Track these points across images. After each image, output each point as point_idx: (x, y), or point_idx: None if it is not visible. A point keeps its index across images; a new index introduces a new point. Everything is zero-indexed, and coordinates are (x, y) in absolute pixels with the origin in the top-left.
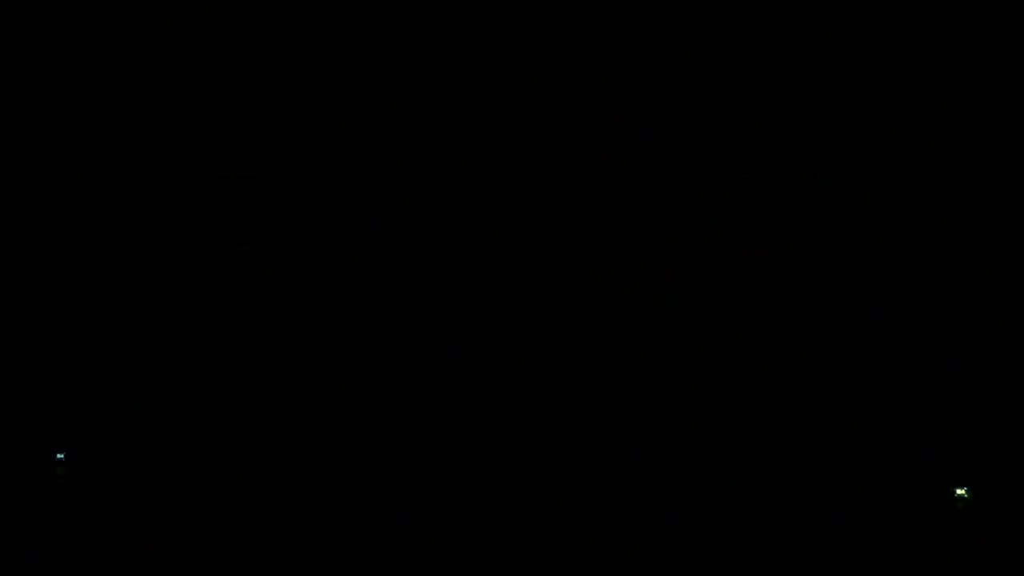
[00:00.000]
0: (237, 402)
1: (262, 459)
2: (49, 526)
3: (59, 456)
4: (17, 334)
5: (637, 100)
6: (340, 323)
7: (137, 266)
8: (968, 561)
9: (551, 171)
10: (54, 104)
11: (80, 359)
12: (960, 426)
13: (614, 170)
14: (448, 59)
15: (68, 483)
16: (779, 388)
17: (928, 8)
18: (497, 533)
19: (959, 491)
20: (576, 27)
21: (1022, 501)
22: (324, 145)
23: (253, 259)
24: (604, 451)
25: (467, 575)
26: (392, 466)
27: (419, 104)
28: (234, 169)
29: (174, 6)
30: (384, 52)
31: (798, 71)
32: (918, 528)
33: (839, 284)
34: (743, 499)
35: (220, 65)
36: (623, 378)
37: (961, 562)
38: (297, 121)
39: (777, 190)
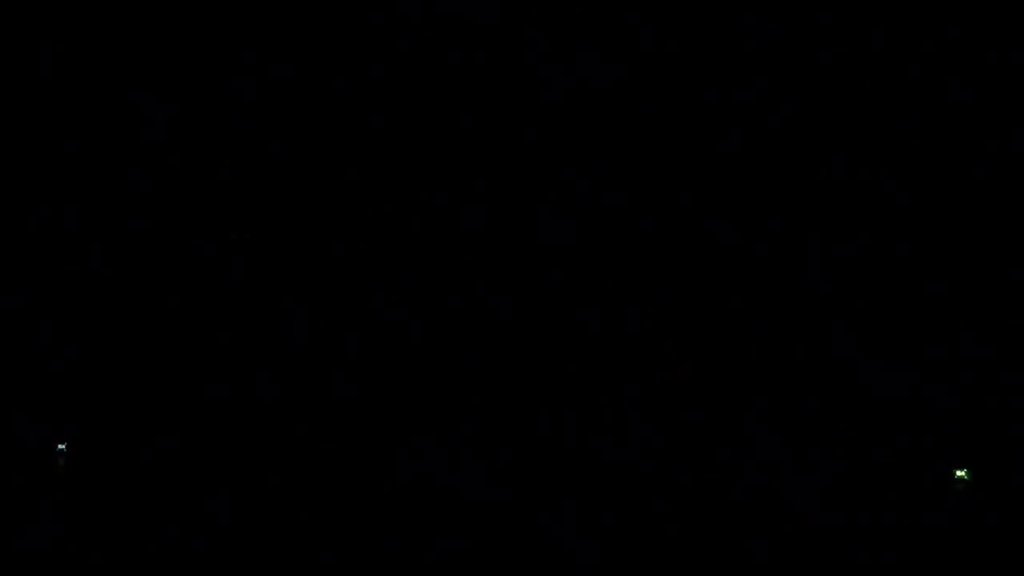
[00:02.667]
0: (237, 395)
1: (262, 453)
2: (50, 516)
3: (60, 447)
4: (19, 328)
5: (637, 100)
6: (339, 319)
7: (137, 259)
8: (969, 542)
9: (551, 171)
10: (53, 103)
11: (81, 353)
12: (960, 409)
13: (614, 170)
14: (448, 60)
15: (68, 473)
16: (779, 377)
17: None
18: (496, 530)
19: (959, 472)
20: (576, 28)
21: (1022, 483)
22: (325, 142)
23: (254, 253)
24: (603, 451)
25: (466, 572)
26: (391, 465)
27: (419, 104)
28: (234, 164)
29: (175, 6)
30: (384, 52)
31: (799, 71)
32: (919, 509)
33: (840, 273)
34: (742, 482)
35: (220, 63)
36: (622, 377)
37: (962, 542)
38: (297, 117)
39: (778, 189)
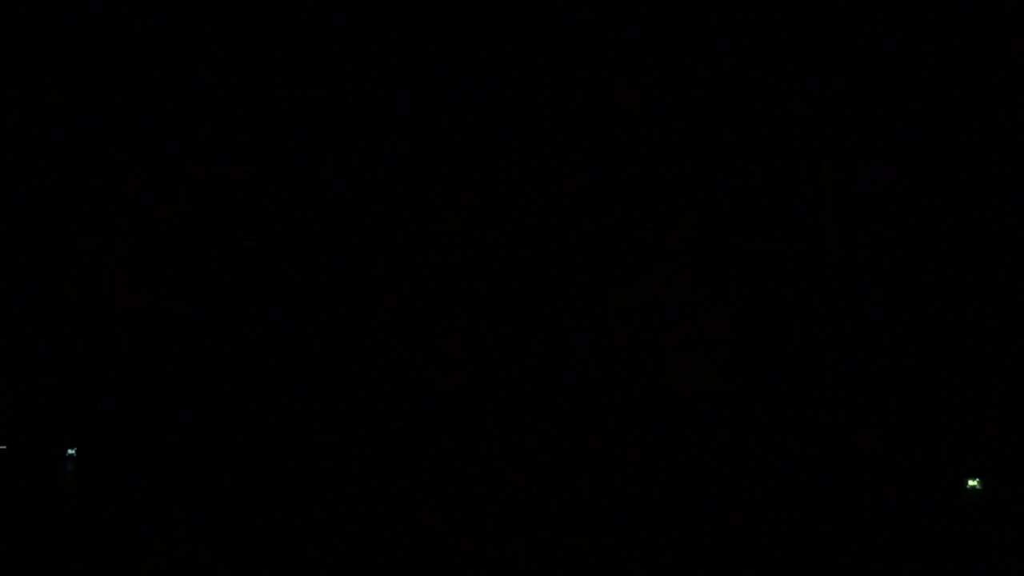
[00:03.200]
0: (242, 400)
1: (265, 457)
2: (59, 520)
3: (70, 452)
4: (28, 332)
5: (638, 100)
6: (341, 322)
7: (145, 264)
8: (980, 552)
9: (551, 170)
10: (53, 104)
11: (90, 356)
12: (971, 418)
13: (615, 170)
14: (449, 60)
15: (78, 478)
16: (788, 382)
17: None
18: (497, 533)
19: (971, 482)
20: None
21: None
22: (328, 144)
23: (257, 257)
24: (603, 452)
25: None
26: (392, 467)
27: (420, 104)
28: (236, 166)
29: (175, 6)
30: (385, 52)
31: (799, 71)
32: (930, 520)
33: (846, 276)
34: (752, 495)
35: (220, 65)
36: (623, 378)
37: (973, 554)
38: (298, 120)
39: (779, 189)
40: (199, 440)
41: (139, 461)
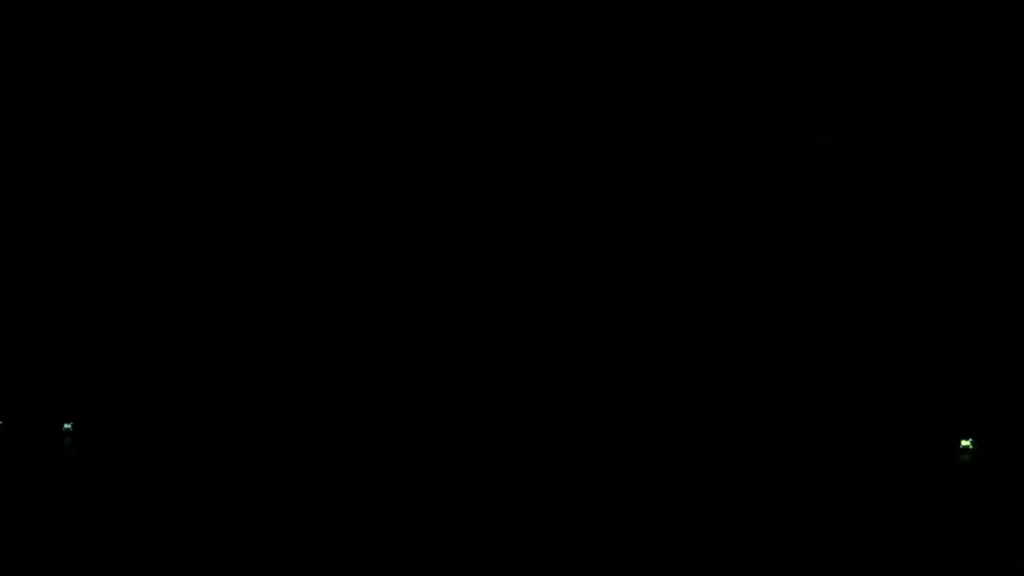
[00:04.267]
0: (243, 389)
1: (265, 448)
2: (56, 494)
3: (67, 426)
4: (27, 317)
5: (638, 96)
6: (342, 320)
7: (147, 252)
8: (974, 511)
9: (551, 167)
10: (54, 104)
11: (90, 340)
12: (965, 377)
13: (614, 164)
14: (449, 58)
15: (75, 452)
16: (785, 352)
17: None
18: (496, 533)
19: (964, 442)
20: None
21: None
22: (328, 142)
23: (257, 253)
24: (605, 447)
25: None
26: (392, 465)
27: (420, 102)
28: (237, 165)
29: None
30: (385, 52)
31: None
32: (924, 479)
33: (842, 246)
34: (745, 453)
35: (221, 64)
36: (624, 371)
37: (967, 512)
38: (298, 118)
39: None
40: (198, 421)
41: (136, 437)
